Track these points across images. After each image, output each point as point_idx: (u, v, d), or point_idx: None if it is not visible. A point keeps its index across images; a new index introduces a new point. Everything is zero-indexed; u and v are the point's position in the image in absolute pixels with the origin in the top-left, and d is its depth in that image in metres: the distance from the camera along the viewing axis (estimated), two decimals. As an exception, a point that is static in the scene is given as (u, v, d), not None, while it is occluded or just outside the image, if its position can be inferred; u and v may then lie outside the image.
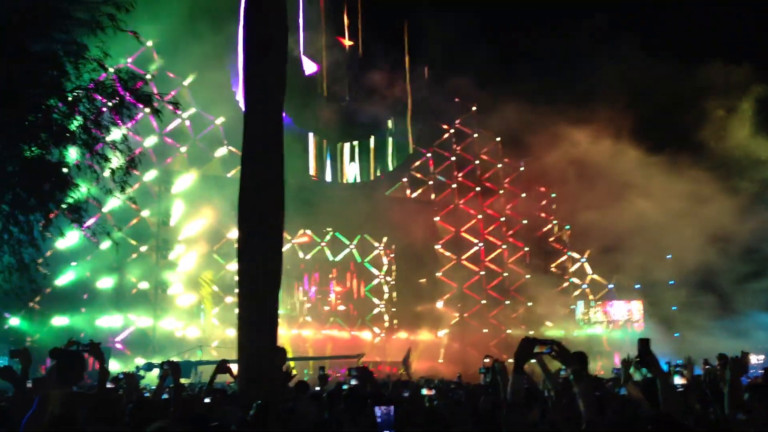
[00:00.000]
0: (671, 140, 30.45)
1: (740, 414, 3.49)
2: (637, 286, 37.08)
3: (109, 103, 12.13)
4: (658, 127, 31.43)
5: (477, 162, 39.57)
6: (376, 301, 35.87)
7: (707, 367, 8.56)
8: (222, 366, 7.13)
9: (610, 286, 38.09)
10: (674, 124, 31.47)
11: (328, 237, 35.01)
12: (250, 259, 7.23)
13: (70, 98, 11.69)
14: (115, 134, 12.94)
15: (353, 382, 5.74)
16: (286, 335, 30.33)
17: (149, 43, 28.22)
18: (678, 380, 5.42)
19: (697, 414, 4.54)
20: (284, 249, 27.04)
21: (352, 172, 36.17)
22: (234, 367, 7.39)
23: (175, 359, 17.68)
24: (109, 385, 6.96)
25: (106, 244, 24.01)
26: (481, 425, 5.29)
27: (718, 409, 4.27)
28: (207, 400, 6.05)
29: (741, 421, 3.34)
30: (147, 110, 12.97)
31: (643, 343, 4.20)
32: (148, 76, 27.55)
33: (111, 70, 12.22)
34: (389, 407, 2.16)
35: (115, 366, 22.73)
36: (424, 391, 6.81)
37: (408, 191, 37.94)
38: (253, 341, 7.00)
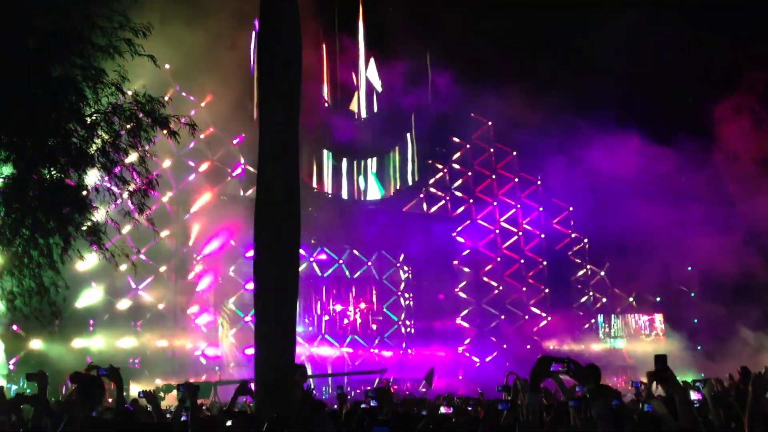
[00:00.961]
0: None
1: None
2: (658, 299, 36.73)
3: (127, 126, 12.31)
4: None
5: (494, 176, 39.54)
6: (394, 317, 35.79)
7: (730, 382, 8.45)
8: (243, 387, 7.15)
9: (630, 299, 37.76)
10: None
11: (345, 254, 35.03)
12: (267, 277, 7.26)
13: (88, 122, 11.89)
14: (133, 156, 13.11)
15: (372, 403, 5.70)
16: (304, 353, 30.36)
17: (167, 66, 28.53)
18: (694, 395, 5.36)
19: (716, 429, 4.50)
20: (302, 267, 27.20)
21: (369, 188, 36.23)
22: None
23: (192, 380, 17.71)
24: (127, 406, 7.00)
25: (125, 266, 24.22)
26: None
27: (736, 424, 4.22)
28: (228, 423, 6.06)
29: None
30: (164, 132, 13.12)
31: (660, 359, 4.17)
32: (166, 98, 28.07)
33: (129, 93, 12.43)
34: (384, 428, 2.14)
35: (135, 388, 22.79)
36: (442, 410, 6.77)
37: (425, 206, 37.95)
38: (270, 360, 7.01)
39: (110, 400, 9.82)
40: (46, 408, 5.63)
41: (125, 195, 12.93)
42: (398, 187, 36.91)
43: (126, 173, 12.77)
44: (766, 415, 3.73)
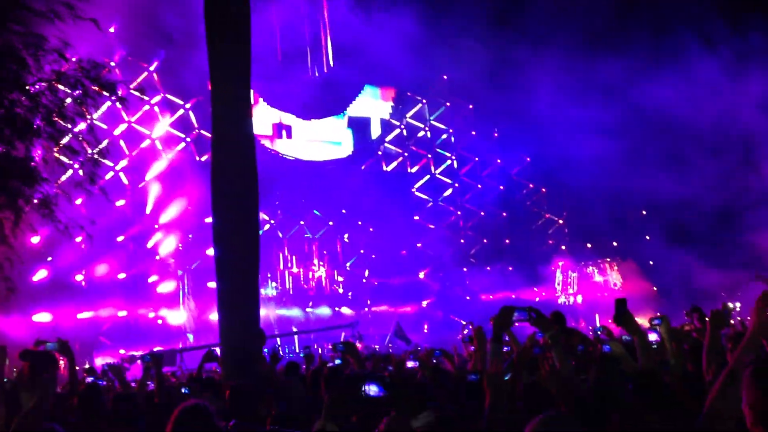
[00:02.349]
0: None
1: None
2: (615, 244, 37.49)
3: (74, 94, 11.94)
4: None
5: (451, 130, 39.59)
6: (358, 275, 35.97)
7: (687, 321, 8.69)
8: (209, 355, 7.13)
9: (589, 245, 38.45)
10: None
11: (306, 215, 34.96)
12: (227, 242, 7.18)
13: (32, 91, 11.49)
14: (82, 125, 12.76)
15: (338, 361, 5.71)
16: (271, 316, 30.39)
17: (111, 31, 27.69)
18: (653, 337, 5.51)
19: (673, 369, 4.64)
20: (263, 229, 26.95)
21: (326, 148, 35.97)
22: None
23: (156, 349, 17.59)
24: (90, 380, 6.93)
25: (80, 238, 23.80)
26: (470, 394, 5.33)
27: (693, 363, 4.37)
28: (184, 390, 6.02)
29: (717, 375, 3.40)
30: (112, 98, 12.79)
31: (620, 303, 4.26)
32: (112, 64, 27.34)
33: (74, 59, 12.03)
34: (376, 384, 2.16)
35: (101, 359, 22.63)
36: (409, 364, 6.84)
37: (383, 164, 37.92)
38: (234, 325, 6.98)
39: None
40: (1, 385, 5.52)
41: (76, 165, 12.61)
42: (355, 147, 36.71)
43: (75, 143, 12.45)
44: (723, 351, 3.87)
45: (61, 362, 6.87)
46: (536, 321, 4.12)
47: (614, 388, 3.66)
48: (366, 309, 34.78)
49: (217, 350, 7.16)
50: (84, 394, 5.59)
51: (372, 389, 2.33)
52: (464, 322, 6.90)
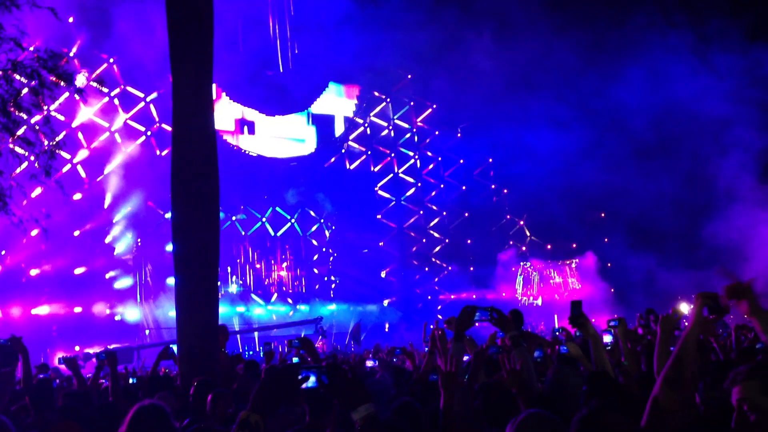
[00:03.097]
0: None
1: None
2: (574, 246, 38.04)
3: (30, 84, 11.64)
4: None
5: (414, 129, 39.70)
6: (320, 273, 35.86)
7: (641, 323, 8.80)
8: (165, 352, 7.00)
9: (549, 246, 38.96)
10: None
11: (268, 212, 34.69)
12: (186, 237, 7.06)
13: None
14: (38, 116, 12.43)
15: (295, 359, 5.65)
16: (232, 314, 30.12)
17: (70, 20, 27.13)
18: (608, 338, 5.59)
19: (624, 370, 4.72)
20: (225, 226, 26.62)
21: (289, 145, 35.73)
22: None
23: (112, 346, 17.24)
24: (41, 376, 6.77)
25: (35, 232, 23.29)
26: (427, 393, 5.33)
27: (647, 365, 4.45)
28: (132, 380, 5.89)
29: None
30: (70, 89, 12.47)
31: (575, 305, 4.31)
32: (71, 54, 26.76)
33: (32, 48, 11.73)
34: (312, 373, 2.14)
35: (61, 354, 22.09)
36: (368, 363, 6.82)
37: (347, 162, 37.86)
38: (192, 322, 6.87)
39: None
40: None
41: (32, 157, 12.28)
42: (318, 144, 36.55)
43: (31, 134, 12.14)
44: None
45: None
46: (497, 321, 4.14)
47: (570, 388, 3.70)
48: (327, 307, 34.68)
49: (174, 348, 7.04)
50: (35, 390, 5.44)
51: (310, 381, 2.31)
52: (427, 323, 6.87)
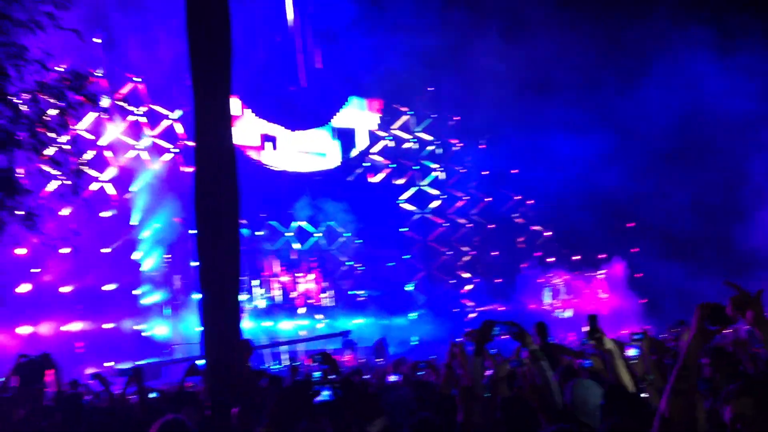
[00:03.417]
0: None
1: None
2: (603, 256, 37.59)
3: (58, 105, 11.85)
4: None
5: (438, 142, 39.68)
6: (346, 287, 35.85)
7: (672, 334, 8.68)
8: (192, 369, 7.05)
9: (576, 257, 38.56)
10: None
11: (293, 226, 34.86)
12: (208, 253, 7.13)
13: (13, 102, 11.40)
14: (66, 136, 12.65)
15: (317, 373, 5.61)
16: (258, 329, 30.24)
17: (98, 41, 27.68)
18: (632, 352, 5.50)
19: (650, 383, 4.64)
20: (250, 242, 26.71)
21: (313, 160, 35.89)
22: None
23: (141, 362, 17.40)
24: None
25: (66, 249, 23.74)
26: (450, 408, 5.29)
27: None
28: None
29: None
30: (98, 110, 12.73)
31: (592, 319, 4.27)
32: (99, 74, 27.25)
33: (61, 69, 12.00)
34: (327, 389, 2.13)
35: (85, 372, 22.34)
36: (392, 378, 6.79)
37: (370, 176, 37.92)
38: (216, 337, 6.92)
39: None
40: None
41: (61, 177, 12.52)
42: (342, 158, 36.67)
43: (59, 154, 12.36)
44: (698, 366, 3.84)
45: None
46: (518, 335, 4.10)
47: (592, 403, 3.64)
48: (354, 321, 34.63)
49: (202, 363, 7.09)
50: (64, 406, 5.52)
51: (323, 394, 2.31)
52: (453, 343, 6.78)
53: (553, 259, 39.39)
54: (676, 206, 30.62)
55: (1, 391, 5.60)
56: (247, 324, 30.51)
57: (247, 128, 33.28)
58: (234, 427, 4.91)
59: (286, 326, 32.52)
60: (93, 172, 27.50)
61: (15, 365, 5.53)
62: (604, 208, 34.48)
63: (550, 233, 39.91)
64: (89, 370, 22.75)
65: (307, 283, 35.15)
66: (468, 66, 32.87)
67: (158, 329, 28.92)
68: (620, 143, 31.39)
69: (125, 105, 26.86)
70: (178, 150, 30.78)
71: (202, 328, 7.41)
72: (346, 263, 36.21)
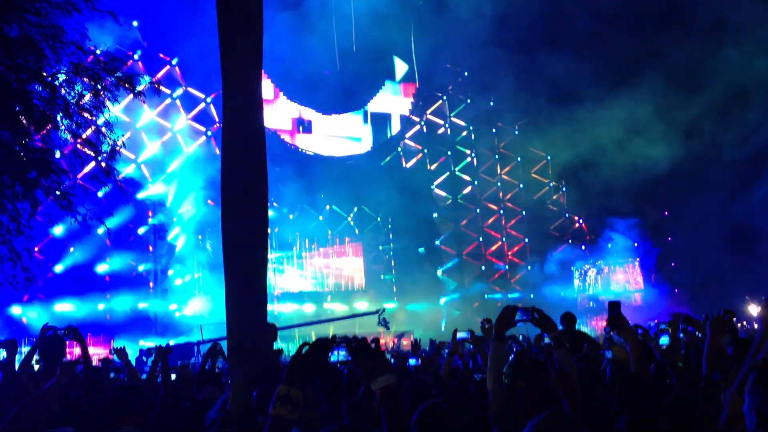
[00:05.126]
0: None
1: (717, 374, 3.47)
2: (636, 245, 37.06)
3: (94, 87, 11.97)
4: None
5: (471, 127, 39.39)
6: (377, 271, 35.92)
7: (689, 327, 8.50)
8: (213, 349, 7.12)
9: (609, 245, 38.05)
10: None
11: (326, 210, 34.97)
12: (235, 236, 7.17)
13: (50, 83, 11.55)
14: (102, 118, 12.80)
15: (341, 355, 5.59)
16: (287, 312, 30.52)
17: (134, 24, 28.00)
18: (664, 340, 5.39)
19: (678, 373, 4.54)
20: (282, 224, 26.75)
21: (346, 144, 35.90)
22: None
23: (173, 342, 17.57)
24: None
25: (101, 229, 24.10)
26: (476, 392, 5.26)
27: (694, 369, 4.27)
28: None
29: (716, 382, 3.33)
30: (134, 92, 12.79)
31: (613, 306, 4.17)
32: (136, 57, 27.55)
33: (98, 51, 12.11)
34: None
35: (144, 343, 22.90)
36: (412, 362, 6.77)
37: (403, 160, 37.83)
38: (240, 319, 6.96)
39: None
40: (13, 376, 5.55)
41: (98, 158, 12.66)
42: (374, 142, 36.61)
43: (94, 136, 12.51)
44: (723, 357, 3.77)
45: (77, 349, 6.91)
46: (539, 321, 4.04)
47: (619, 391, 3.58)
48: (384, 305, 34.69)
49: (224, 344, 7.15)
50: (85, 381, 5.60)
51: (341, 354, 2.33)
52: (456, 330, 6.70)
53: (584, 247, 38.95)
54: (711, 196, 30.00)
55: (23, 367, 5.69)
56: (279, 307, 30.87)
57: (280, 111, 33.41)
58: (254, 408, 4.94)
59: (313, 309, 32.71)
60: (129, 154, 27.86)
61: (38, 338, 5.62)
62: (640, 196, 33.97)
63: (583, 221, 39.45)
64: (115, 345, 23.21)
65: (338, 265, 35.28)
66: (503, 51, 32.39)
67: (190, 309, 29.34)
68: (662, 128, 30.88)
69: (160, 88, 27.05)
70: (212, 133, 31.03)
71: (225, 310, 7.45)
72: (379, 247, 36.26)
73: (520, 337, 8.80)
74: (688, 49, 29.89)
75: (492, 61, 32.76)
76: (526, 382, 3.90)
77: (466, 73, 38.39)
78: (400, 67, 37.04)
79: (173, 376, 5.95)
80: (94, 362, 7.62)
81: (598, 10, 30.66)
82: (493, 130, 39.60)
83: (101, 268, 27.63)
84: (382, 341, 26.50)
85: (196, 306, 29.53)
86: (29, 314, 25.41)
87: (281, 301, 31.56)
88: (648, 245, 36.04)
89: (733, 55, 28.07)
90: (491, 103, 38.99)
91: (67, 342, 6.02)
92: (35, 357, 6.09)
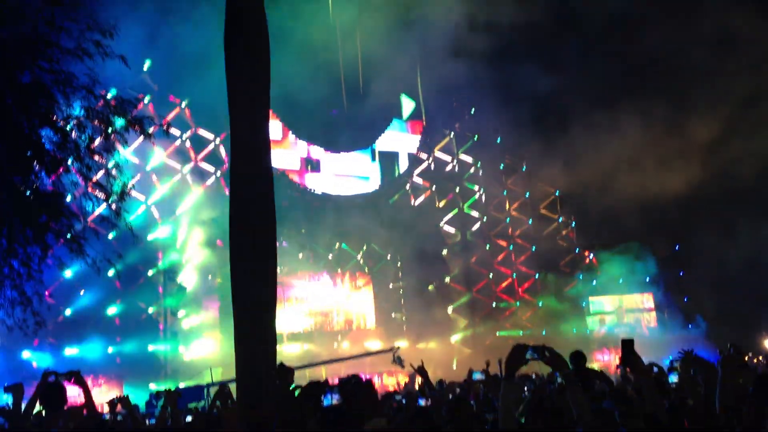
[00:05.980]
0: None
1: (730, 412, 3.40)
2: (648, 279, 36.79)
3: (104, 130, 12.10)
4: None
5: (478, 164, 39.49)
6: (388, 309, 35.73)
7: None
8: (222, 392, 7.05)
9: (620, 281, 37.75)
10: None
11: (335, 248, 34.94)
12: (243, 275, 7.15)
13: (61, 127, 11.69)
14: (112, 161, 12.92)
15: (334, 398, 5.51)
16: (297, 352, 30.31)
17: (145, 67, 28.43)
18: (673, 378, 5.31)
19: (691, 411, 4.45)
20: (291, 263, 26.68)
21: (354, 183, 35.97)
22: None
23: (183, 385, 17.45)
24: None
25: (111, 272, 24.14)
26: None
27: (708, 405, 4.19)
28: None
29: (729, 418, 3.26)
30: (141, 135, 12.91)
31: (626, 344, 4.12)
32: (147, 99, 27.86)
33: (108, 96, 12.28)
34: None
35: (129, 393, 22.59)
36: (422, 402, 6.67)
37: (411, 197, 37.88)
38: (251, 360, 6.90)
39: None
40: (20, 421, 5.51)
41: (107, 201, 12.73)
42: (383, 180, 36.68)
43: (103, 179, 12.60)
44: (737, 393, 3.69)
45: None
46: (550, 359, 3.98)
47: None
48: (395, 344, 34.39)
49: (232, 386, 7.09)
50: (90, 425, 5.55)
51: (334, 398, 2.31)
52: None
53: (594, 282, 38.64)
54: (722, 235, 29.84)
55: (24, 416, 5.62)
56: (290, 345, 30.69)
57: (288, 150, 33.63)
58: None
59: (325, 347, 32.46)
60: (140, 196, 28.03)
61: (39, 384, 5.55)
62: (652, 231, 33.83)
63: (593, 256, 39.20)
64: (118, 393, 22.97)
65: (348, 304, 35.13)
66: (509, 88, 32.67)
67: (201, 350, 29.19)
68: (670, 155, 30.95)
69: (170, 130, 27.29)
70: (221, 173, 31.21)
71: (234, 351, 7.38)
72: (389, 285, 36.11)
73: (533, 375, 8.69)
74: (700, 78, 30.10)
75: (499, 97, 33.02)
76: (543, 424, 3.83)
77: (473, 110, 38.61)
78: (407, 105, 37.31)
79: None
80: (101, 406, 7.56)
81: (604, 50, 31.01)
82: (501, 166, 39.67)
83: (111, 311, 27.60)
84: (395, 380, 26.23)
85: (206, 348, 29.39)
86: (39, 359, 25.31)
87: (291, 340, 31.39)
88: (661, 279, 35.75)
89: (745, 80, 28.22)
90: (498, 140, 39.14)
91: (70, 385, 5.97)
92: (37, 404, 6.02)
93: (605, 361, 31.27)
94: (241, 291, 7.06)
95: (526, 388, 6.27)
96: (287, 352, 29.36)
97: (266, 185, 7.33)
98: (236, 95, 7.37)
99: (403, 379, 25.63)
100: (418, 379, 24.61)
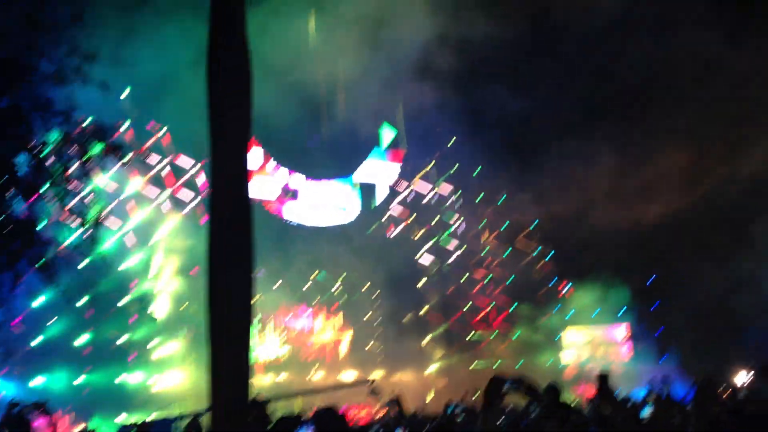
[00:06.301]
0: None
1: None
2: (624, 308, 36.92)
3: (81, 157, 12.00)
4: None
5: (458, 193, 39.55)
6: (363, 341, 35.52)
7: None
8: (193, 424, 6.91)
9: (596, 312, 37.89)
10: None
11: (312, 278, 34.77)
12: (218, 305, 7.04)
13: (37, 153, 11.57)
14: (87, 188, 12.80)
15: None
16: (270, 381, 29.97)
17: (124, 93, 28.24)
18: (647, 410, 5.34)
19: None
20: (268, 293, 26.52)
21: (331, 213, 35.91)
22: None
23: (150, 418, 17.12)
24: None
25: (83, 300, 23.83)
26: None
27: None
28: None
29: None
30: (119, 161, 12.84)
31: (602, 379, 4.16)
32: (126, 125, 27.63)
33: (86, 123, 12.21)
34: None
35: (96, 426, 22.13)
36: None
37: (390, 228, 37.84)
38: (223, 392, 6.78)
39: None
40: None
41: (80, 228, 12.60)
42: (360, 211, 36.66)
43: (79, 206, 12.47)
44: (713, 419, 3.71)
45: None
46: (528, 391, 3.99)
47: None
48: (372, 375, 34.12)
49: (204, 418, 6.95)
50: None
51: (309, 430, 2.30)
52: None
53: (574, 311, 38.72)
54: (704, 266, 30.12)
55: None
56: (261, 376, 30.29)
57: (268, 178, 33.54)
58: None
59: (299, 378, 32.15)
60: (113, 223, 27.71)
61: (4, 415, 5.43)
62: (629, 261, 34.08)
63: (570, 287, 39.33)
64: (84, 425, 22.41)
65: (324, 335, 34.89)
66: (488, 117, 32.97)
67: (172, 381, 28.74)
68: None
69: (148, 158, 27.18)
70: (198, 201, 30.98)
71: (207, 384, 7.26)
72: (364, 316, 35.92)
73: (510, 406, 8.65)
74: (677, 105, 30.60)
75: (478, 128, 33.30)
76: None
77: (453, 140, 38.78)
78: (387, 134, 37.48)
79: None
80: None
81: (577, 79, 31.49)
82: (480, 197, 39.81)
83: (80, 341, 27.08)
84: (370, 412, 25.94)
85: (175, 379, 28.94)
86: (4, 388, 24.70)
87: (266, 371, 31.03)
88: (636, 310, 35.97)
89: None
90: (478, 169, 39.26)
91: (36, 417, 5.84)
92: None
93: (579, 392, 31.24)
94: (216, 319, 6.96)
95: (503, 419, 6.26)
96: (261, 381, 29.00)
97: (245, 212, 7.27)
98: (216, 122, 7.34)
99: (381, 411, 25.36)
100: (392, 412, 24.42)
